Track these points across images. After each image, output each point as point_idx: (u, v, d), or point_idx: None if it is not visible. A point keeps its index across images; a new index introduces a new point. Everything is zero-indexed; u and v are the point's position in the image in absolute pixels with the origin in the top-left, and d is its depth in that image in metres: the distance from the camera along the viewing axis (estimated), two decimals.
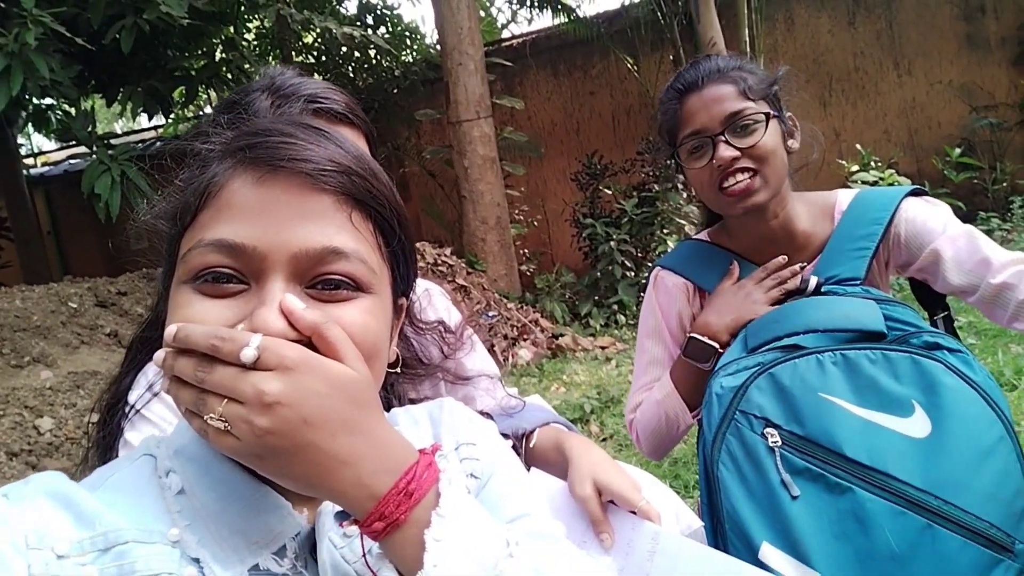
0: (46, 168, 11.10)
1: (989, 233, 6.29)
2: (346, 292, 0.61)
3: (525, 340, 5.61)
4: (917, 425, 1.01)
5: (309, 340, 0.56)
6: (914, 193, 1.31)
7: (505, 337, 5.52)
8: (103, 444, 1.02)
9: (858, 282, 1.22)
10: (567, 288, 6.99)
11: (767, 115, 1.26)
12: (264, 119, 0.68)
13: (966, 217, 6.82)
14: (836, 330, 1.11)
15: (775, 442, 1.05)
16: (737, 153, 1.25)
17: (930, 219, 1.27)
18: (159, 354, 0.56)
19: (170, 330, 0.55)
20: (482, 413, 1.11)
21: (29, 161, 10.48)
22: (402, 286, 0.72)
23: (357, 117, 1.16)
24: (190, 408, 0.54)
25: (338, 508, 0.64)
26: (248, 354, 0.52)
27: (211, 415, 0.52)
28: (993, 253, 1.21)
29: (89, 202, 5.35)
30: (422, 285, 1.25)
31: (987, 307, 1.20)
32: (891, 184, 6.08)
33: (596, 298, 6.54)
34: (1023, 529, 0.96)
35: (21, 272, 7.32)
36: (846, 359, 1.07)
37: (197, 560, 0.59)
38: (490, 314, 5.66)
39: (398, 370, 0.73)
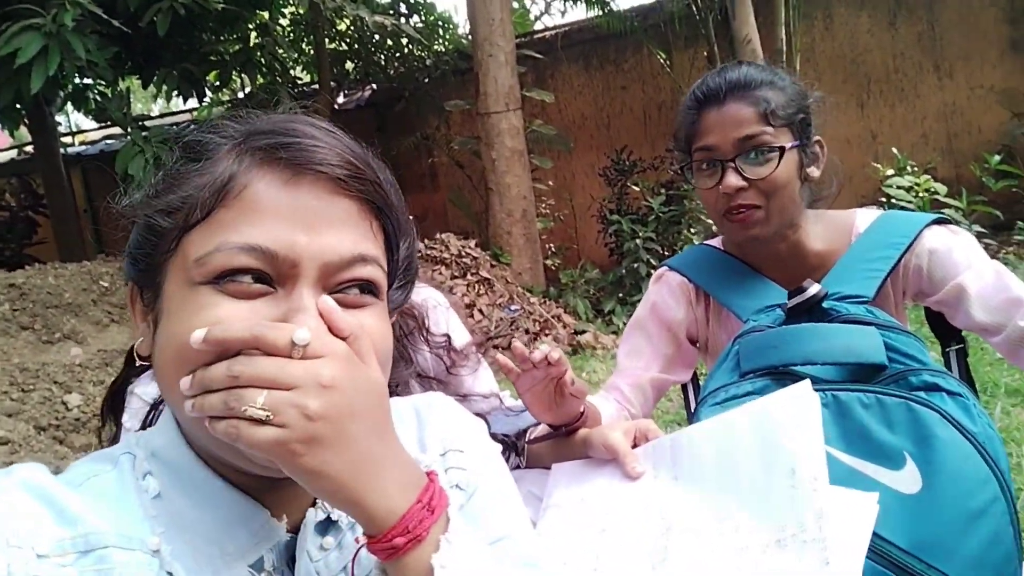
0: (83, 147, 11.27)
1: None
2: (369, 297, 0.61)
3: (547, 335, 5.59)
4: (907, 479, 0.95)
5: None
6: (938, 222, 1.26)
7: (527, 331, 5.50)
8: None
9: (865, 300, 1.17)
10: (591, 284, 6.95)
11: (782, 148, 1.21)
12: (275, 116, 0.66)
13: (1004, 226, 6.60)
14: (835, 363, 1.06)
15: None
16: (744, 184, 1.21)
17: (955, 251, 1.22)
18: (184, 380, 0.53)
19: (197, 334, 0.52)
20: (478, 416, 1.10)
21: (67, 140, 10.65)
22: (395, 303, 0.70)
23: None
24: (218, 413, 0.50)
25: (319, 519, 0.63)
26: (302, 336, 0.51)
27: (250, 406, 0.49)
28: None
29: (124, 182, 5.42)
30: (421, 293, 1.21)
31: (1012, 348, 1.14)
32: (927, 190, 5.94)
33: (620, 295, 6.49)
34: None
35: (57, 249, 7.46)
36: (837, 401, 1.01)
37: (170, 574, 0.57)
38: (512, 307, 5.65)
39: None
